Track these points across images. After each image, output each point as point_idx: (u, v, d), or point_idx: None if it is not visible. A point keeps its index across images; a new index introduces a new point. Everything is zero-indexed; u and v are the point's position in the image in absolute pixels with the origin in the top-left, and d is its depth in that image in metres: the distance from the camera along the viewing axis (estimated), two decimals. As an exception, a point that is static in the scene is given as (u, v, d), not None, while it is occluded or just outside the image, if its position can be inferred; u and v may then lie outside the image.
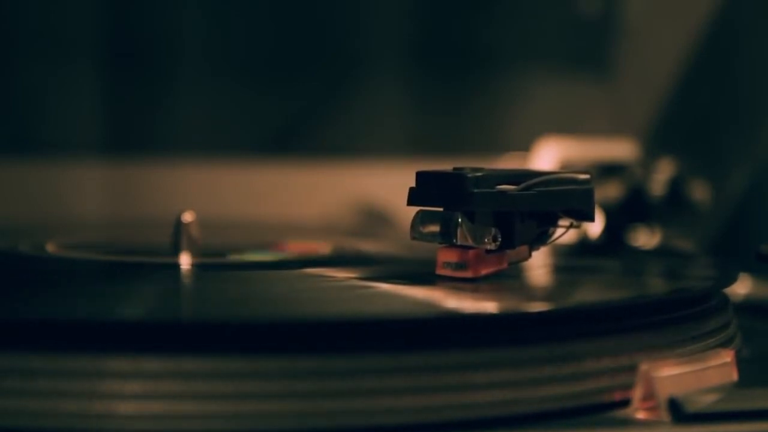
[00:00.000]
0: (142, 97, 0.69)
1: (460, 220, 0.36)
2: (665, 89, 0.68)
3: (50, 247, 0.46)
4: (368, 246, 0.50)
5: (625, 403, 0.32)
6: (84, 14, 0.68)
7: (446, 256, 0.37)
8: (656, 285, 0.43)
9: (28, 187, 0.68)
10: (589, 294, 0.39)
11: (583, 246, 0.52)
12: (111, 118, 0.68)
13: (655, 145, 0.63)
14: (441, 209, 0.36)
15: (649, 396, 0.31)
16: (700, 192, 0.55)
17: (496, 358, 0.31)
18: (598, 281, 0.42)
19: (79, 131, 0.68)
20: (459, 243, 0.36)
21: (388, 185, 0.61)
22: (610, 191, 0.55)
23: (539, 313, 0.33)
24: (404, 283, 0.37)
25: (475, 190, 0.36)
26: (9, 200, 0.67)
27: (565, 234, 0.39)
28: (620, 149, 0.58)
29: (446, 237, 0.36)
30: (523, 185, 0.37)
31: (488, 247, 0.37)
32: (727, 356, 0.34)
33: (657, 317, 0.34)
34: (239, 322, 0.30)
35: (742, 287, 0.49)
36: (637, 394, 0.32)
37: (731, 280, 0.40)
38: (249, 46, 0.71)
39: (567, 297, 0.38)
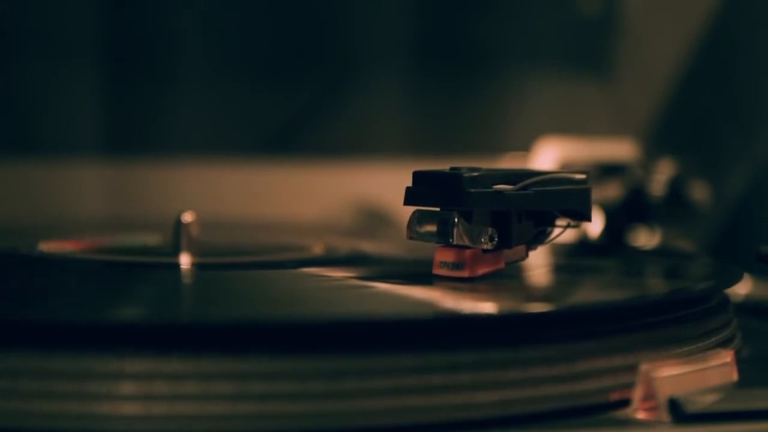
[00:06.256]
0: (141, 97, 0.69)
1: (456, 219, 0.36)
2: (665, 89, 0.68)
3: (50, 247, 0.46)
4: (368, 246, 0.50)
5: (625, 403, 0.32)
6: (84, 14, 0.68)
7: (443, 255, 0.37)
8: (656, 285, 0.43)
9: (28, 187, 0.68)
10: (589, 294, 0.39)
11: (583, 246, 0.52)
12: (111, 118, 0.68)
13: (655, 145, 0.63)
14: (438, 209, 0.36)
15: (649, 396, 0.31)
16: (700, 192, 0.55)
17: (496, 358, 0.31)
18: (598, 281, 0.42)
19: (79, 131, 0.68)
20: (456, 243, 0.36)
21: (388, 185, 0.61)
22: (610, 191, 0.55)
23: (539, 314, 0.33)
24: (402, 283, 0.37)
25: (472, 190, 0.36)
26: (9, 200, 0.67)
27: (562, 234, 0.39)
28: (620, 149, 0.58)
29: (443, 237, 0.36)
30: (519, 185, 0.37)
31: (485, 246, 0.37)
32: (727, 356, 0.34)
33: (657, 317, 0.34)
34: (238, 323, 0.30)
35: (742, 287, 0.49)
36: (637, 394, 0.32)
37: (732, 280, 0.40)
38: (248, 46, 0.71)
39: (567, 297, 0.38)
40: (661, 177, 0.55)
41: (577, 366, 0.32)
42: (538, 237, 0.39)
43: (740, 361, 0.35)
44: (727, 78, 0.65)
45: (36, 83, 0.68)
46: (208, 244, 0.45)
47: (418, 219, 0.37)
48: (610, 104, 0.71)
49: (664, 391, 0.31)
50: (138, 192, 0.69)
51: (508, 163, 0.63)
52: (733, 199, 0.62)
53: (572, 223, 0.39)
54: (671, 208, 0.55)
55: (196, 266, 0.42)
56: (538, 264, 0.42)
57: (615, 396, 0.32)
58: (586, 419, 0.31)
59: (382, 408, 0.29)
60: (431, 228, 0.36)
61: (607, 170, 0.56)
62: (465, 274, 0.36)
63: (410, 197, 0.37)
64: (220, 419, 0.29)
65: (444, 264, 0.37)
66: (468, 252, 0.36)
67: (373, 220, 0.66)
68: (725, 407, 0.31)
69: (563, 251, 0.47)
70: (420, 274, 0.38)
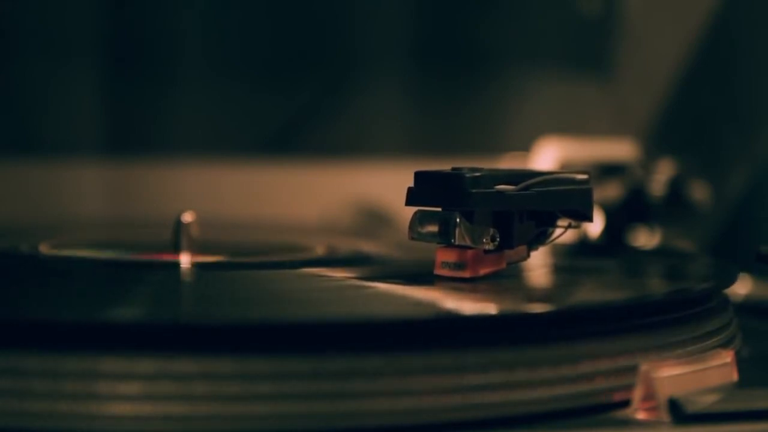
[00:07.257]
0: (141, 97, 0.69)
1: (458, 220, 0.36)
2: (665, 89, 0.68)
3: (49, 247, 0.46)
4: (368, 246, 0.50)
5: (625, 403, 0.32)
6: (84, 14, 0.68)
7: (445, 256, 0.37)
8: (656, 285, 0.43)
9: (28, 187, 0.68)
10: (589, 294, 0.39)
11: (583, 246, 0.52)
12: (111, 118, 0.68)
13: (655, 145, 0.63)
14: (439, 209, 0.36)
15: (649, 396, 0.31)
16: (700, 192, 0.55)
17: (496, 358, 0.31)
18: (598, 281, 0.42)
19: (79, 131, 0.68)
20: (457, 243, 0.36)
21: (388, 185, 0.61)
22: (610, 191, 0.55)
23: (539, 314, 0.33)
24: (403, 284, 0.37)
25: (473, 190, 0.36)
26: (9, 200, 0.67)
27: (563, 234, 0.39)
28: (620, 149, 0.58)
29: (445, 237, 0.36)
30: (521, 185, 0.37)
31: (487, 247, 0.37)
32: (727, 356, 0.34)
33: (657, 318, 0.34)
34: (237, 323, 0.30)
35: (742, 287, 0.49)
36: (637, 394, 0.32)
37: (731, 280, 0.40)
38: (248, 45, 0.71)
39: (567, 297, 0.38)
40: (661, 177, 0.55)
41: (578, 366, 0.32)
42: (540, 237, 0.39)
43: (740, 361, 0.35)
44: (727, 78, 0.65)
45: (36, 83, 0.68)
46: (208, 244, 0.45)
47: (419, 219, 0.37)
48: (610, 104, 0.71)
49: (664, 391, 0.31)
50: (138, 192, 0.69)
51: (508, 163, 0.63)
52: (733, 199, 0.62)
53: (574, 223, 0.39)
54: (671, 208, 0.55)
55: (196, 266, 0.42)
56: (538, 264, 0.42)
57: (615, 396, 0.32)
58: (586, 419, 0.31)
59: (379, 409, 0.29)
60: (433, 228, 0.36)
61: (607, 170, 0.56)
62: (466, 274, 0.36)
63: (412, 197, 0.37)
64: (217, 420, 0.29)
65: (445, 264, 0.37)
66: (469, 252, 0.36)
67: (373, 220, 0.66)
68: (725, 407, 0.31)
69: (563, 251, 0.47)
70: (420, 274, 0.38)
